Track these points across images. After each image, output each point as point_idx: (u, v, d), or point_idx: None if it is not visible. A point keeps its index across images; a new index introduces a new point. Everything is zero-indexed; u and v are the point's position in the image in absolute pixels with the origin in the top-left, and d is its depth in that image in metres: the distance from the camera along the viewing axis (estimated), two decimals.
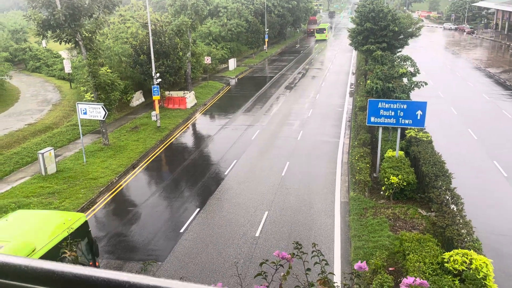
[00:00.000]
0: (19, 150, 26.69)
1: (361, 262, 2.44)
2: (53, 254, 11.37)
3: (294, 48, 79.30)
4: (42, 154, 23.38)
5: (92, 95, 27.60)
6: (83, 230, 13.12)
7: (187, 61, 41.28)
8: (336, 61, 62.26)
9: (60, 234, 12.08)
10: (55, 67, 49.02)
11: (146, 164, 26.12)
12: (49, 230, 12.32)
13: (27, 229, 12.48)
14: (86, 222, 13.48)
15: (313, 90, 44.35)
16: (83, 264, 12.02)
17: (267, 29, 70.83)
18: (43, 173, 23.54)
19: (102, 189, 22.35)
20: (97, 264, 14.04)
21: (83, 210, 20.12)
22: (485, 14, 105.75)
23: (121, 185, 23.22)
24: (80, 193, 21.68)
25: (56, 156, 25.01)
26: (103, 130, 28.03)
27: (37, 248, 11.49)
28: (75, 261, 2.57)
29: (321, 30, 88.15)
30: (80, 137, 26.94)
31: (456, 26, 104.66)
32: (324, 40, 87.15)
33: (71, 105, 35.57)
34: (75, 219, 13.00)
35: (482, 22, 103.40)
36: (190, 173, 24.67)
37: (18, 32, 60.42)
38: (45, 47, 55.56)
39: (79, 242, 12.87)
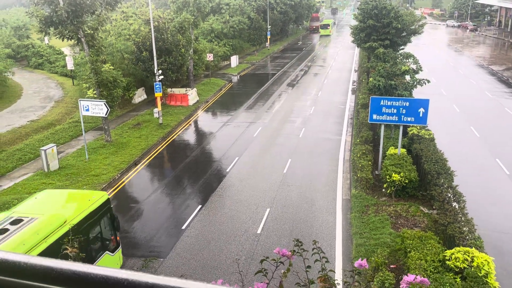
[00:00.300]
0: (21, 147, 26.76)
1: (362, 260, 2.44)
2: (81, 226, 12.78)
3: (297, 45, 79.17)
4: (45, 150, 23.44)
5: (95, 92, 27.63)
6: (105, 207, 14.27)
7: (189, 58, 41.25)
8: (338, 59, 62.14)
9: (86, 209, 13.32)
10: (57, 64, 49.07)
11: (148, 161, 26.15)
12: (76, 206, 13.54)
13: (57, 204, 13.72)
14: (108, 200, 14.62)
15: (315, 88, 44.29)
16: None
17: (269, 26, 70.71)
18: (46, 170, 23.61)
19: (104, 185, 22.40)
20: (117, 238, 15.00)
21: None
22: (488, 12, 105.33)
23: (123, 182, 23.26)
24: (82, 189, 21.74)
25: (58, 152, 25.08)
26: (105, 127, 28.07)
27: (67, 220, 12.49)
28: (76, 258, 2.58)
29: (325, 26, 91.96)
30: (82, 134, 26.98)
31: (459, 24, 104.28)
32: (328, 35, 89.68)
33: (74, 102, 35.62)
34: (98, 197, 14.22)
35: (485, 19, 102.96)
36: (192, 170, 24.69)
37: (20, 28, 60.48)
38: (47, 43, 55.60)
39: (102, 217, 14.12)
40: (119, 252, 15.16)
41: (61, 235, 11.75)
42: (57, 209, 13.19)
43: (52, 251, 11.43)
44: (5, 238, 11.26)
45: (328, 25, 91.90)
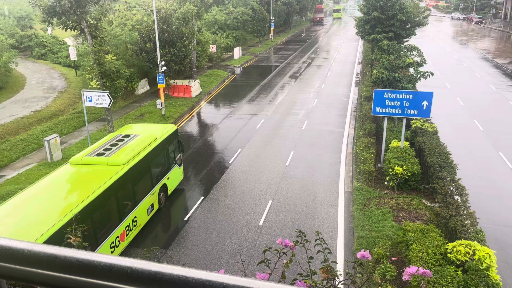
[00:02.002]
0: (25, 137, 26.84)
1: (364, 251, 2.44)
2: (164, 143, 19.02)
3: (300, 37, 78.78)
4: (48, 141, 23.50)
5: (98, 82, 27.59)
6: (175, 134, 20.45)
7: (192, 49, 41.12)
8: (342, 51, 61.84)
9: (166, 133, 19.39)
10: (60, 54, 49.02)
11: None
12: (158, 131, 19.43)
13: (145, 130, 19.21)
14: (177, 130, 20.79)
15: (319, 80, 44.14)
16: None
17: (273, 18, 70.34)
18: (49, 160, 23.68)
19: None
20: (181, 158, 21.09)
21: None
22: (494, 4, 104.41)
23: None
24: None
25: (61, 143, 25.14)
26: (108, 118, 28.06)
27: (157, 138, 18.50)
28: (79, 247, 2.59)
29: (337, 10, 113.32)
30: (85, 125, 27.01)
31: (464, 16, 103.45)
32: (340, 18, 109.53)
33: (77, 93, 35.63)
34: (170, 127, 20.41)
35: (491, 12, 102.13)
36: (195, 162, 24.73)
37: (23, 18, 60.37)
38: (50, 34, 55.50)
39: (174, 140, 20.17)
40: (182, 168, 21.24)
41: (157, 144, 18.13)
42: (147, 132, 18.72)
43: (154, 153, 17.90)
44: (124, 144, 17.12)
45: (340, 9, 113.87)
